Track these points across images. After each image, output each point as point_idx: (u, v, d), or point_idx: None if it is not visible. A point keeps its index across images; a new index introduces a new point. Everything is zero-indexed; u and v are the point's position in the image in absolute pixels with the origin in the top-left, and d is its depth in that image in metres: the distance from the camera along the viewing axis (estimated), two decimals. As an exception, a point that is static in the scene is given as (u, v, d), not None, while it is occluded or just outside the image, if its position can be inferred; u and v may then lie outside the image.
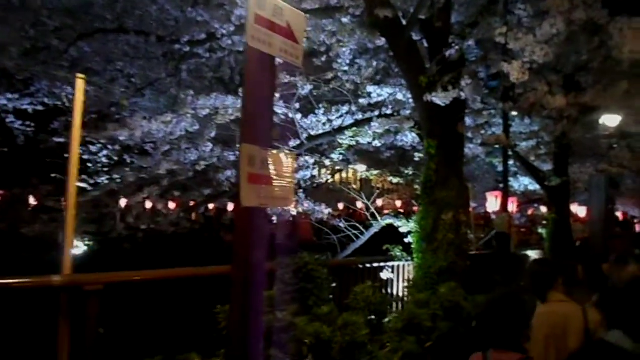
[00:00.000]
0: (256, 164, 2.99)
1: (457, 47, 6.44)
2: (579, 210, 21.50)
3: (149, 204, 20.36)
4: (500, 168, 15.39)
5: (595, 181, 13.74)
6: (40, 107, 9.17)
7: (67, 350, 4.06)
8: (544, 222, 16.49)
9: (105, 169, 9.67)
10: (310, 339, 4.14)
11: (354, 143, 7.57)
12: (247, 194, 2.83)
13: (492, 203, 12.05)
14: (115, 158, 9.55)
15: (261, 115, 2.92)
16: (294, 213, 9.07)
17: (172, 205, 22.77)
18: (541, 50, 5.05)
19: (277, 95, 7.25)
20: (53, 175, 10.12)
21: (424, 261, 6.68)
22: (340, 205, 12.19)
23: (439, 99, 6.07)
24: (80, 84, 4.34)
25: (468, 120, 8.53)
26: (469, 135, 9.71)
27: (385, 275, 7.19)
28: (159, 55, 8.35)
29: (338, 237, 8.90)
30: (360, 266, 6.86)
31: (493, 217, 13.37)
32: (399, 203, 12.82)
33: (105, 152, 9.37)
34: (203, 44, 7.96)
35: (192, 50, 8.18)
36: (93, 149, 9.27)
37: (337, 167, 10.34)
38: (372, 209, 8.07)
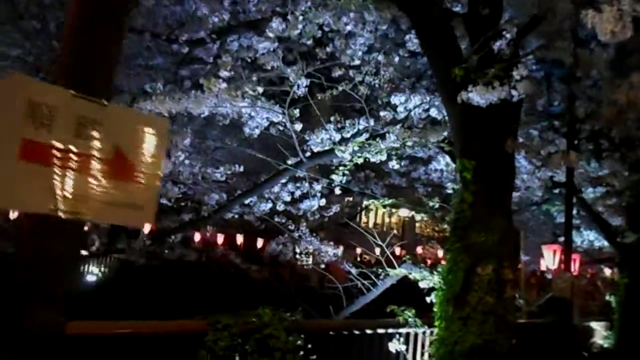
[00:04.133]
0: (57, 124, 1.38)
1: (509, 37, 4.57)
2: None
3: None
4: (559, 219, 13.12)
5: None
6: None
7: None
8: (606, 285, 13.75)
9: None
10: None
11: (359, 161, 5.71)
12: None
13: (549, 259, 9.74)
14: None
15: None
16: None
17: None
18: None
19: (261, 90, 5.53)
20: None
21: (448, 334, 4.62)
22: (358, 250, 10.24)
23: (480, 97, 4.17)
24: None
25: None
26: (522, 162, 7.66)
27: (394, 346, 5.15)
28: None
29: (347, 285, 6.91)
30: (357, 332, 4.85)
31: (549, 276, 11.04)
32: (441, 252, 10.72)
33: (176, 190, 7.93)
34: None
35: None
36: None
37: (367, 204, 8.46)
38: (388, 253, 6.08)
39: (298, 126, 6.12)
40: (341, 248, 7.47)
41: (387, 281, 6.67)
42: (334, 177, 6.10)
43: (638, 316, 10.05)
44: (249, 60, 5.90)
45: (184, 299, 8.08)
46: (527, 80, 4.13)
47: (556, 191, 10.92)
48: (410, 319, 4.90)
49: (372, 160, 5.88)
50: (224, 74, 5.25)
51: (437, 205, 6.17)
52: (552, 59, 6.66)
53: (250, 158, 7.49)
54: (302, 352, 4.00)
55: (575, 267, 10.77)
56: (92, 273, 15.33)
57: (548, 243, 10.66)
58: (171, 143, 6.06)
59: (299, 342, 4.01)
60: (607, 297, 11.67)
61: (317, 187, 7.13)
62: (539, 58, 6.23)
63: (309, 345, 4.33)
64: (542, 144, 6.91)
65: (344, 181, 6.20)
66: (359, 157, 5.65)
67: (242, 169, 7.27)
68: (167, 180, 6.74)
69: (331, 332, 4.69)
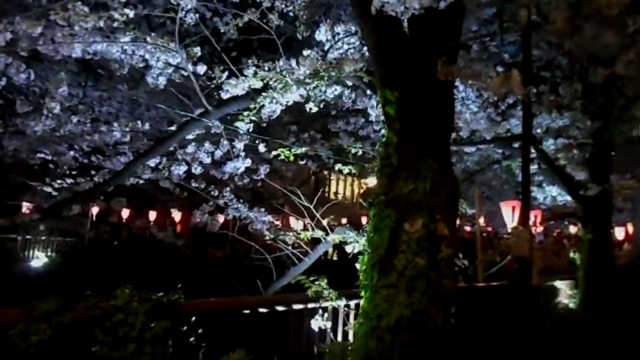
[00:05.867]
0: None
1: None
2: (615, 231, 18.46)
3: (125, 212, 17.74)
4: (521, 177, 12.44)
5: (640, 195, 10.64)
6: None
7: None
8: (573, 243, 13.28)
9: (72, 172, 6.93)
10: None
11: (267, 103, 4.68)
12: None
13: (508, 216, 9.02)
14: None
15: None
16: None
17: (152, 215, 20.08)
18: None
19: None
20: None
21: (372, 306, 3.75)
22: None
23: (397, 2, 3.20)
24: None
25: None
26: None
27: (317, 324, 4.27)
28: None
29: (274, 256, 5.99)
30: (264, 310, 3.94)
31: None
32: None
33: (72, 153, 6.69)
34: None
35: None
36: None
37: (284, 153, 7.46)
38: (317, 216, 5.16)
39: (201, 68, 5.07)
40: (272, 218, 6.52)
41: (320, 249, 5.78)
42: (238, 124, 5.09)
43: (602, 273, 9.50)
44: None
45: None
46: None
47: (516, 146, 10.19)
48: (325, 291, 4.00)
49: (286, 102, 4.86)
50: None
51: (360, 152, 5.23)
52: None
53: (162, 115, 6.42)
54: (172, 341, 3.07)
55: (536, 223, 10.12)
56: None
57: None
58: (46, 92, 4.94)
59: (166, 327, 3.06)
60: (571, 254, 11.12)
61: (239, 145, 6.11)
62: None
63: (199, 330, 3.43)
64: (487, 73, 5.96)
65: (250, 129, 5.20)
66: (265, 97, 4.65)
67: (147, 126, 6.21)
68: (60, 143, 5.63)
69: (221, 312, 3.75)
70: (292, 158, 4.78)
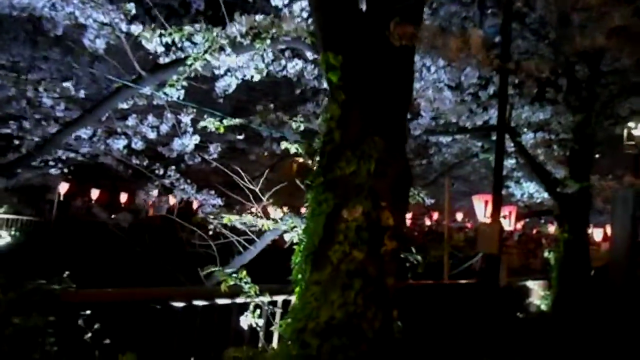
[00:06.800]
0: None
1: None
2: (594, 233, 18.26)
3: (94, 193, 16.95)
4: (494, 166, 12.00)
5: (620, 197, 10.32)
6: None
7: None
8: (551, 242, 12.94)
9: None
10: None
11: (199, 66, 4.10)
12: None
13: (480, 210, 8.56)
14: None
15: None
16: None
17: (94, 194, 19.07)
18: None
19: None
20: None
21: (302, 304, 3.22)
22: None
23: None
24: None
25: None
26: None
27: (247, 321, 3.73)
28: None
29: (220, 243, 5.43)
30: (179, 304, 3.39)
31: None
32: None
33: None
34: None
35: None
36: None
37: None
38: (263, 197, 4.61)
39: (136, 28, 4.46)
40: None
41: (267, 237, 5.24)
42: (167, 90, 4.51)
43: (576, 274, 9.12)
44: None
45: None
46: None
47: (495, 139, 9.73)
48: (246, 286, 3.45)
49: (242, 76, 4.29)
50: None
51: (302, 127, 4.69)
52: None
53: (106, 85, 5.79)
54: (55, 338, 2.51)
55: (511, 220, 9.71)
56: None
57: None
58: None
59: (40, 322, 2.51)
60: (545, 254, 10.73)
61: (185, 119, 5.52)
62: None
63: (96, 326, 2.88)
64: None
65: (180, 97, 4.62)
66: (194, 58, 4.05)
67: (82, 94, 5.56)
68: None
69: (122, 304, 3.19)
70: (222, 130, 4.20)
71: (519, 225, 20.98)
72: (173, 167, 6.11)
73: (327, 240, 3.19)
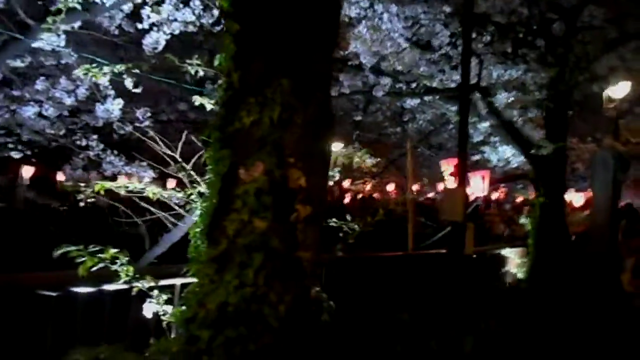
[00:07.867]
0: None
1: None
2: (575, 198, 17.86)
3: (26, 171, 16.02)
4: (476, 137, 11.48)
5: (600, 159, 9.83)
6: None
7: None
8: (529, 209, 12.50)
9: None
10: None
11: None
12: None
13: (449, 177, 8.01)
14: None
15: None
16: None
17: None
18: None
19: None
20: None
21: (195, 287, 2.62)
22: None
23: None
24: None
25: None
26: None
27: (151, 308, 3.12)
28: None
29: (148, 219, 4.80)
30: (52, 294, 2.76)
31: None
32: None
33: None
34: None
35: None
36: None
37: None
38: (187, 168, 3.97)
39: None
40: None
41: (197, 212, 4.60)
42: (45, 36, 3.75)
43: (553, 240, 8.66)
44: None
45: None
46: None
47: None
48: (118, 267, 2.82)
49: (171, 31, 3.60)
50: None
51: (200, 73, 4.02)
52: None
53: None
54: None
55: (484, 185, 9.19)
56: None
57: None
58: None
59: None
60: (523, 220, 10.27)
61: (103, 80, 4.78)
62: None
63: None
64: None
65: (62, 44, 3.91)
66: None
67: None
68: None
69: None
70: (100, 77, 3.52)
71: (502, 194, 20.57)
72: (94, 137, 5.42)
73: (223, 208, 2.57)
